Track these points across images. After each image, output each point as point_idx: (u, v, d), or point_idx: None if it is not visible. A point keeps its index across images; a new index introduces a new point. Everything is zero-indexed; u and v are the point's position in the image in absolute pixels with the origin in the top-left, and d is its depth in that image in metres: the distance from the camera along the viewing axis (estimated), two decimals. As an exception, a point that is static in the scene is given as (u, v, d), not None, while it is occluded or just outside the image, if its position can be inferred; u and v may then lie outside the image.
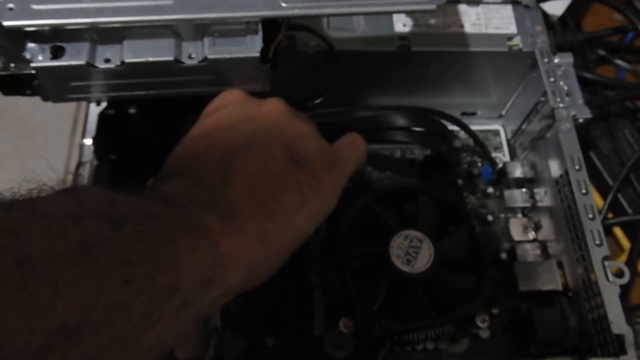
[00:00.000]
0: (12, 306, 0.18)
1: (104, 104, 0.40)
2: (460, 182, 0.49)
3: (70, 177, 0.38)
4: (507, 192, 0.47)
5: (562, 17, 0.58)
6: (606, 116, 0.54)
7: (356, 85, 0.47)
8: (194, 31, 0.36)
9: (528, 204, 0.47)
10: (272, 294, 0.42)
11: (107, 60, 0.34)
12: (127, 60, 0.34)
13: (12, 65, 0.34)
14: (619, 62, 0.59)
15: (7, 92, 0.36)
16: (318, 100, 0.43)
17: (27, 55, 0.34)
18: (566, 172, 0.41)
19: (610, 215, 0.51)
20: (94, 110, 0.41)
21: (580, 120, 0.43)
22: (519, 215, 0.48)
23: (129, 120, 0.40)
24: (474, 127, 0.47)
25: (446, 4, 0.41)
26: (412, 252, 0.38)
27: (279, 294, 0.42)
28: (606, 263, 0.38)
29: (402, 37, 0.45)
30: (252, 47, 0.37)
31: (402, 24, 0.45)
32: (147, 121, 0.41)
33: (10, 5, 0.32)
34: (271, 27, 0.38)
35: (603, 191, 0.51)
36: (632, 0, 0.59)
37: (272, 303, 0.42)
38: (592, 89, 0.55)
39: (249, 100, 0.34)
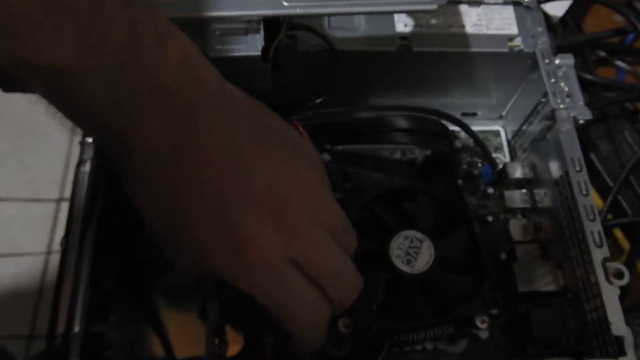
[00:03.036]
0: None
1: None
2: (460, 182, 0.49)
3: (70, 175, 0.38)
4: (507, 193, 0.47)
5: (563, 18, 0.58)
6: (606, 117, 0.54)
7: (357, 85, 0.47)
8: (195, 29, 0.36)
9: (528, 205, 0.47)
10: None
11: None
12: (127, 58, 0.34)
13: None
14: (619, 63, 0.59)
15: (7, 89, 0.36)
16: (318, 100, 0.43)
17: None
18: (566, 173, 0.41)
19: (610, 216, 0.51)
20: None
21: (581, 122, 0.43)
22: (519, 216, 0.48)
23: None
24: (474, 128, 0.47)
25: (447, 4, 0.41)
26: (412, 252, 0.38)
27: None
28: (606, 264, 0.38)
29: (403, 37, 0.45)
30: (253, 45, 0.37)
31: (403, 24, 0.45)
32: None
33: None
34: (272, 26, 0.38)
35: (603, 192, 0.51)
36: (632, 2, 0.59)
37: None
38: (592, 90, 0.55)
39: None
